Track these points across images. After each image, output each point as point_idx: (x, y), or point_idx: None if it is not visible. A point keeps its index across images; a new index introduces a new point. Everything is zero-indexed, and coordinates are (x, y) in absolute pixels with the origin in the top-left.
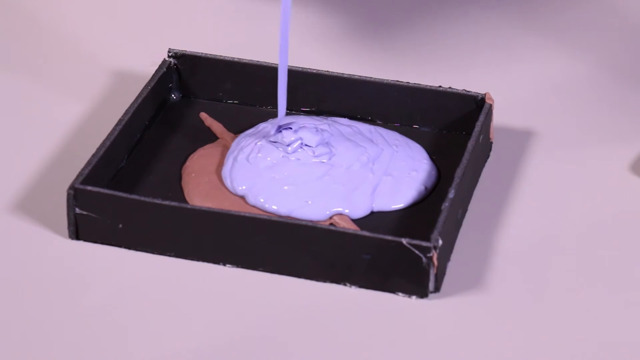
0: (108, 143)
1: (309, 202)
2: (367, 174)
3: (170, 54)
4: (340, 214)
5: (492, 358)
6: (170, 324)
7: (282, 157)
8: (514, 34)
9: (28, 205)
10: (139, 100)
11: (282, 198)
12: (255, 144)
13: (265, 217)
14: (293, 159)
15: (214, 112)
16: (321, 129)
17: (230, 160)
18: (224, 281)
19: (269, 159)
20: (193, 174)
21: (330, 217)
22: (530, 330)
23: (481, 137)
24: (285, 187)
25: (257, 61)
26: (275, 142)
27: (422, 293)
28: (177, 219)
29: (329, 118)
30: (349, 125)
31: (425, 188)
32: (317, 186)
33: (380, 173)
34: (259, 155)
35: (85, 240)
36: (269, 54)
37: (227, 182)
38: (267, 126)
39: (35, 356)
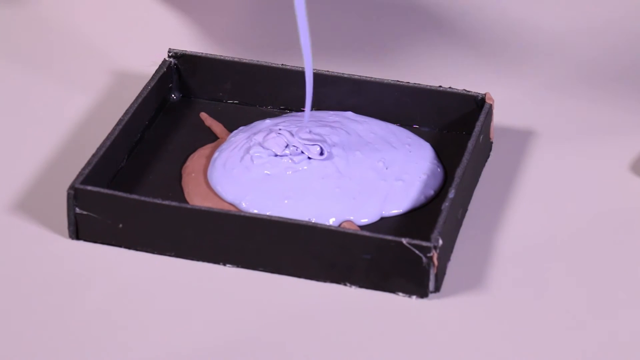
0: (108, 143)
1: (313, 220)
2: (380, 181)
3: (170, 54)
4: (346, 220)
5: (492, 358)
6: (170, 323)
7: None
8: (515, 33)
9: (28, 205)
10: (139, 100)
11: (280, 213)
12: (233, 149)
13: (265, 217)
14: (290, 172)
15: (214, 112)
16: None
17: (211, 162)
18: (224, 281)
19: (267, 170)
20: (193, 174)
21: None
22: (530, 330)
23: (481, 137)
24: (286, 201)
25: (257, 61)
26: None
27: (422, 293)
28: (177, 219)
29: (336, 113)
30: (358, 121)
31: (434, 191)
32: (325, 198)
33: (393, 179)
34: (241, 164)
35: (85, 240)
36: (269, 54)
37: (211, 185)
38: (261, 126)
39: (36, 356)
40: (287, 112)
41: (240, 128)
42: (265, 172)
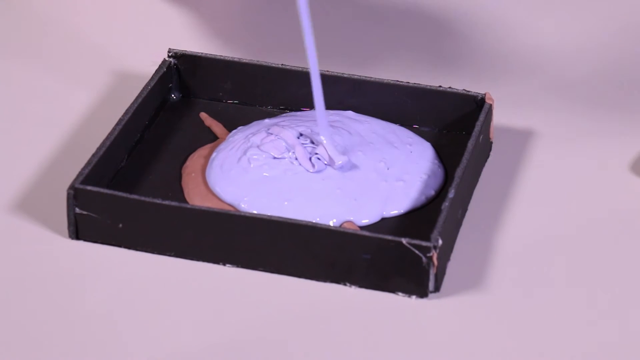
0: (108, 143)
1: (318, 219)
2: (381, 182)
3: (170, 54)
4: (347, 221)
5: (492, 358)
6: (170, 323)
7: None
8: (514, 33)
9: (28, 205)
10: (139, 100)
11: (280, 214)
12: (230, 150)
13: (265, 217)
14: (290, 174)
15: (214, 112)
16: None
17: (209, 162)
18: (224, 281)
19: (266, 172)
20: (193, 174)
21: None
22: (530, 330)
23: (481, 137)
24: (286, 203)
25: (257, 61)
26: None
27: (422, 293)
28: (177, 219)
29: (336, 113)
30: (359, 121)
31: (434, 192)
32: (326, 200)
33: (394, 179)
34: (238, 165)
35: (85, 240)
36: (269, 54)
37: (209, 185)
38: (259, 126)
39: (36, 356)
40: (286, 112)
41: (239, 128)
42: (264, 174)
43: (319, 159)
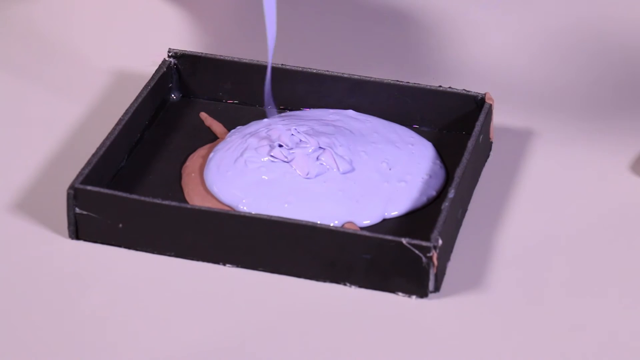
0: (108, 143)
1: (319, 222)
2: (383, 183)
3: (170, 54)
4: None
5: (492, 358)
6: (169, 324)
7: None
8: (514, 33)
9: (28, 205)
10: (139, 100)
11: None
12: (227, 150)
13: (265, 217)
14: (289, 176)
15: (214, 112)
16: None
17: (206, 162)
18: (224, 281)
19: (264, 175)
20: (193, 174)
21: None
22: (530, 330)
23: (481, 137)
24: (286, 205)
25: (257, 61)
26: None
27: (422, 293)
28: (177, 219)
29: (336, 112)
30: (360, 120)
31: (436, 192)
32: (327, 201)
33: (396, 180)
34: (234, 165)
35: (85, 240)
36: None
37: (207, 186)
38: (257, 126)
39: (35, 356)
40: (286, 112)
41: (237, 127)
42: (263, 177)
43: (322, 164)
